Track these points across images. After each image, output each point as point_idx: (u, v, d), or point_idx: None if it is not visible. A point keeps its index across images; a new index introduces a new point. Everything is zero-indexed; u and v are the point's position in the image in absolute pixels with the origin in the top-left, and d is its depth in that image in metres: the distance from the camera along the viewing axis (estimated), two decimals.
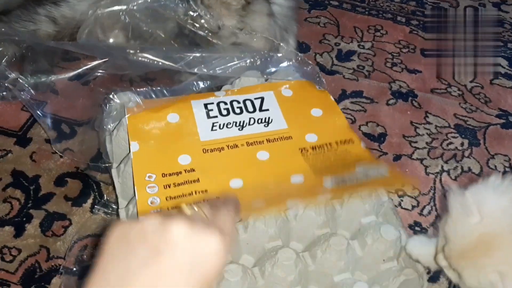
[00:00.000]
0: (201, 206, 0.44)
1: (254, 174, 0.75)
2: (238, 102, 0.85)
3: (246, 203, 0.66)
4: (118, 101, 0.79)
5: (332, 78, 1.05)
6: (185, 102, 0.85)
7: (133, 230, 0.39)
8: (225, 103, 0.85)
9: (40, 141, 0.89)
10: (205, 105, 0.84)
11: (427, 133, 0.97)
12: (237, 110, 0.84)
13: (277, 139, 0.81)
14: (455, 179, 0.90)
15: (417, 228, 0.83)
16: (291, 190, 0.73)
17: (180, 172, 0.74)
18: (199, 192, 0.72)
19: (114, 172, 0.77)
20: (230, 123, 0.82)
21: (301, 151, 0.79)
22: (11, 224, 0.79)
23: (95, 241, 0.77)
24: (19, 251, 0.76)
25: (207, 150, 0.78)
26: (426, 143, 0.95)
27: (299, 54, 0.90)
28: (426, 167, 0.92)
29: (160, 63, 0.83)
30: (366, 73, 1.08)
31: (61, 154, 0.85)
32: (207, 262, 0.39)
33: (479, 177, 0.90)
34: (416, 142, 0.95)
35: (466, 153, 0.94)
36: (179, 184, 0.73)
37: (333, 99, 0.90)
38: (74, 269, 0.73)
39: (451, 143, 0.96)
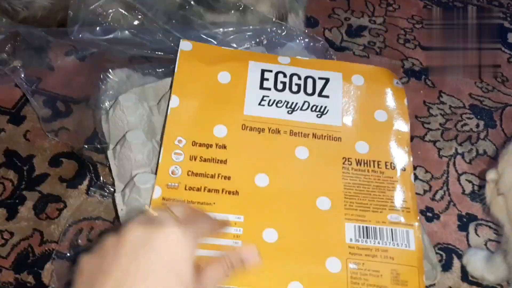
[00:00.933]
0: (175, 209, 0.41)
1: (284, 175, 0.68)
2: (299, 78, 0.75)
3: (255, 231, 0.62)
4: (115, 78, 0.75)
5: (342, 54, 1.00)
6: (242, 60, 0.75)
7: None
8: (285, 75, 0.75)
9: (34, 119, 0.84)
10: (262, 72, 0.74)
11: (440, 114, 0.92)
12: (294, 88, 0.74)
13: (325, 137, 0.71)
14: (469, 163, 0.86)
15: (428, 214, 0.79)
16: (312, 219, 0.65)
17: (211, 145, 0.68)
18: (221, 177, 0.66)
19: (110, 153, 0.72)
20: (281, 102, 0.73)
21: (344, 161, 0.70)
22: (3, 206, 0.75)
23: (91, 225, 0.73)
24: (12, 234, 0.73)
25: (247, 127, 0.70)
26: (440, 124, 0.91)
27: (307, 29, 0.85)
28: (439, 149, 0.87)
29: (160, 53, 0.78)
30: (377, 49, 1.02)
31: (55, 135, 0.81)
32: (167, 256, 0.36)
33: (495, 161, 0.86)
34: (429, 123, 0.91)
35: (482, 135, 0.90)
36: (205, 160, 0.67)
37: (407, 103, 0.77)
38: (68, 254, 0.70)
39: (465, 124, 0.91)
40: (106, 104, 0.75)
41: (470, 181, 0.83)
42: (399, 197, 0.67)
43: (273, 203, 0.65)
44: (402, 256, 0.63)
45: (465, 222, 0.79)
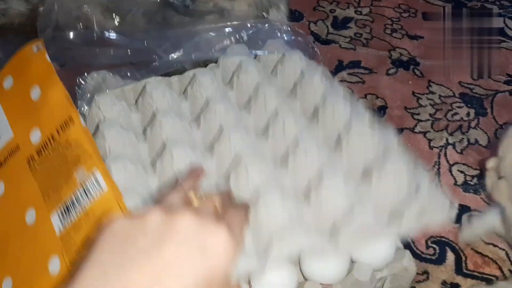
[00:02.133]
0: (211, 198, 0.40)
1: None
2: None
3: None
4: (92, 82, 0.73)
5: (328, 48, 0.99)
6: None
7: (133, 223, 0.34)
8: None
9: None
10: None
11: (430, 104, 0.90)
12: None
13: (7, 157, 0.63)
14: (461, 153, 0.84)
15: None
16: (31, 242, 0.58)
17: None
18: None
19: None
20: None
21: (28, 161, 0.62)
22: None
23: None
24: None
25: None
26: (430, 114, 0.89)
27: (288, 23, 0.83)
28: (429, 140, 0.85)
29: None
30: (364, 41, 1.01)
31: None
32: (214, 258, 0.34)
33: (487, 150, 0.85)
34: (418, 114, 0.89)
35: (473, 124, 0.88)
36: None
37: (49, 60, 0.67)
38: None
39: (456, 113, 0.89)
40: (83, 108, 0.73)
41: (462, 172, 0.82)
42: (74, 151, 0.60)
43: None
44: (102, 205, 0.55)
45: (457, 213, 0.77)
